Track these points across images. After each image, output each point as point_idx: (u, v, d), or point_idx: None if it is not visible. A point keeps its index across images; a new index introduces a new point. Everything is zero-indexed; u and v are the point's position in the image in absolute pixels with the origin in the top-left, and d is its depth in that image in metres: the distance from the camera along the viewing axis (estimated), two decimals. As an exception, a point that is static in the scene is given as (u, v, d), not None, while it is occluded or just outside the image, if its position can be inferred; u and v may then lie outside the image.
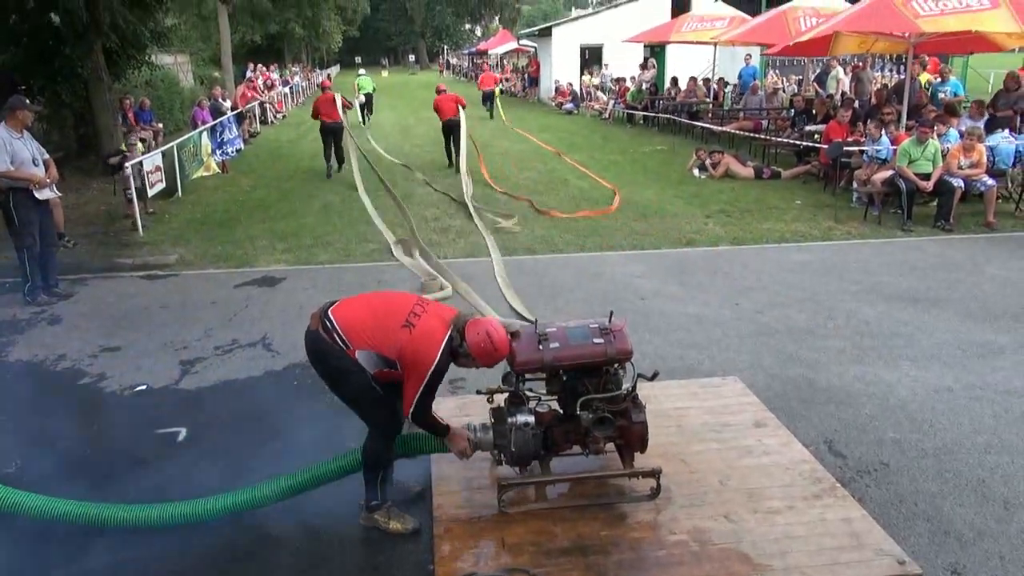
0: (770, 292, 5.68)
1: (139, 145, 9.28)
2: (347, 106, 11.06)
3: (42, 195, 5.63)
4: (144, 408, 4.04)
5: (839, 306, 5.36)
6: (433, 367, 2.49)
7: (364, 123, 18.50)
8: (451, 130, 11.05)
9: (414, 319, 2.53)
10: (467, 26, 70.78)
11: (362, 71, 29.69)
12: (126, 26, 10.80)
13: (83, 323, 5.36)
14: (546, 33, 25.18)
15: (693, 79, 16.46)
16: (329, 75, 48.22)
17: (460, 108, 10.97)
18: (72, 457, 3.51)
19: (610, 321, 2.80)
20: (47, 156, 5.88)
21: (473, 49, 50.86)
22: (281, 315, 5.39)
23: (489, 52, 40.41)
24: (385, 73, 54.73)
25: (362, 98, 20.04)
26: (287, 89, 25.67)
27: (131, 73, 12.59)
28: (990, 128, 8.49)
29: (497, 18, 70.60)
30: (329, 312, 2.62)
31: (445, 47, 63.35)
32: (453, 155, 11.03)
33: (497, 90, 20.55)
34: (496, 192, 9.41)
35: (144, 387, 4.30)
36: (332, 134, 10.83)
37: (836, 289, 5.72)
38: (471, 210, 8.14)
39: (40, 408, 4.04)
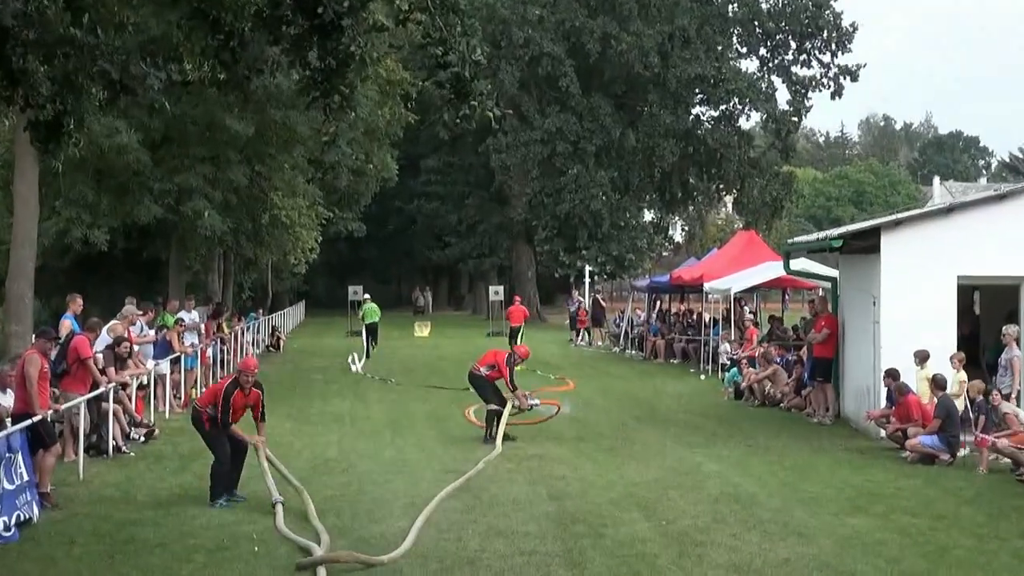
0: None
1: None
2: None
3: None
4: None
5: None
6: None
7: (366, 356, 42.94)
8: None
9: None
10: (648, 216, 75.51)
11: (366, 296, 51.46)
12: None
13: None
14: (868, 245, 25.97)
15: None
16: (278, 334, 52.08)
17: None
18: None
19: None
20: None
21: (660, 278, 54.56)
22: None
23: (706, 288, 42.39)
24: (423, 330, 60.19)
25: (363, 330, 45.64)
26: (165, 364, 27.75)
27: None
28: None
29: (732, 197, 74.53)
30: None
31: (587, 268, 67.13)
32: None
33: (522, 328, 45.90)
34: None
35: None
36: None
37: None
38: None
39: None
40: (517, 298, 51.23)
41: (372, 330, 43.91)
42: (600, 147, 66.67)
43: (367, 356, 43.48)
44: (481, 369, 25.05)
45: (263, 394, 18.48)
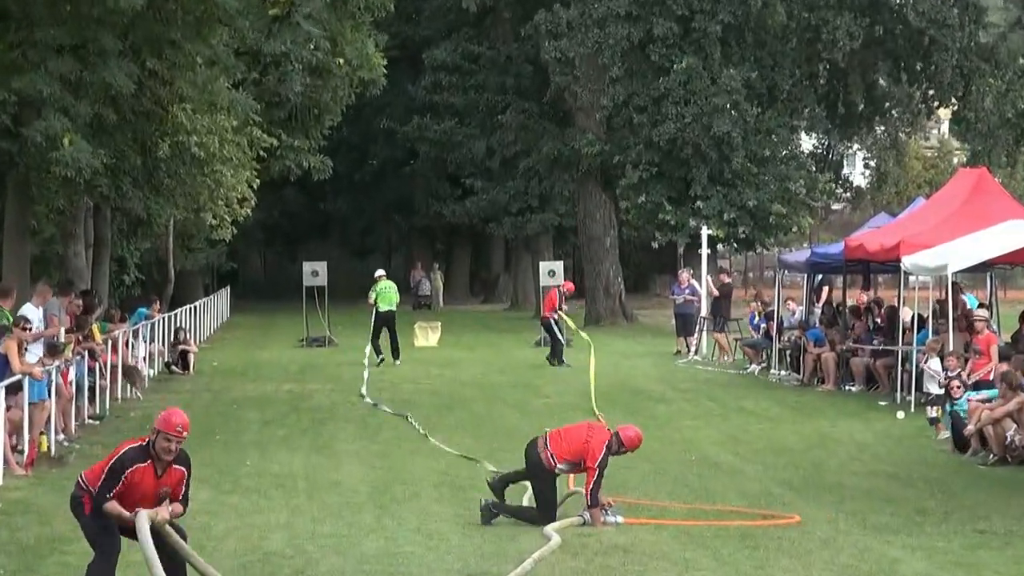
0: None
1: None
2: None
3: None
4: None
5: None
6: None
7: (382, 358, 51.68)
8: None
9: None
10: (808, 144, 75.22)
11: (380, 272, 58.34)
12: None
13: None
14: None
15: None
16: (183, 346, 52.92)
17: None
18: None
19: None
20: None
21: (829, 249, 55.04)
22: None
23: (905, 265, 42.03)
24: (429, 337, 62.70)
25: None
26: None
27: None
28: None
29: (949, 110, 74.54)
30: None
31: (704, 230, 66.61)
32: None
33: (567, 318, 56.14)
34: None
35: None
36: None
37: None
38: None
39: None
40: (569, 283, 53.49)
41: (387, 322, 44.80)
42: (728, 26, 66.57)
43: (393, 356, 46.38)
44: (549, 454, 24.27)
45: (189, 473, 17.62)
